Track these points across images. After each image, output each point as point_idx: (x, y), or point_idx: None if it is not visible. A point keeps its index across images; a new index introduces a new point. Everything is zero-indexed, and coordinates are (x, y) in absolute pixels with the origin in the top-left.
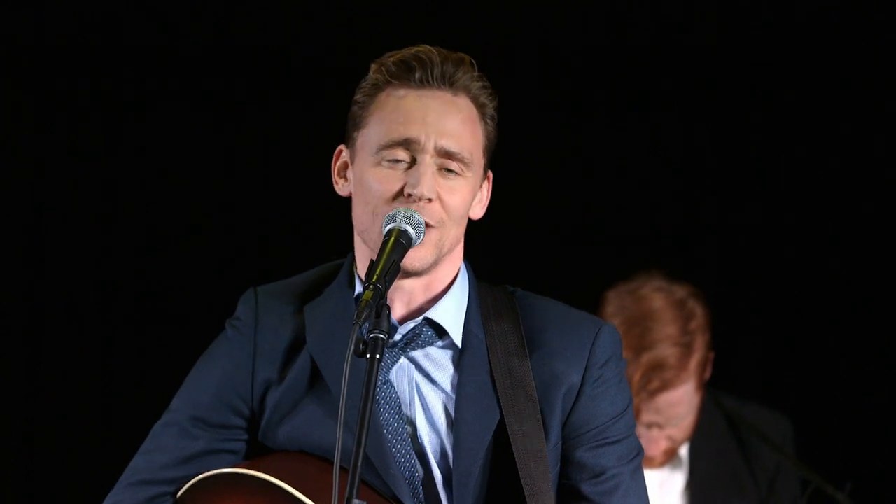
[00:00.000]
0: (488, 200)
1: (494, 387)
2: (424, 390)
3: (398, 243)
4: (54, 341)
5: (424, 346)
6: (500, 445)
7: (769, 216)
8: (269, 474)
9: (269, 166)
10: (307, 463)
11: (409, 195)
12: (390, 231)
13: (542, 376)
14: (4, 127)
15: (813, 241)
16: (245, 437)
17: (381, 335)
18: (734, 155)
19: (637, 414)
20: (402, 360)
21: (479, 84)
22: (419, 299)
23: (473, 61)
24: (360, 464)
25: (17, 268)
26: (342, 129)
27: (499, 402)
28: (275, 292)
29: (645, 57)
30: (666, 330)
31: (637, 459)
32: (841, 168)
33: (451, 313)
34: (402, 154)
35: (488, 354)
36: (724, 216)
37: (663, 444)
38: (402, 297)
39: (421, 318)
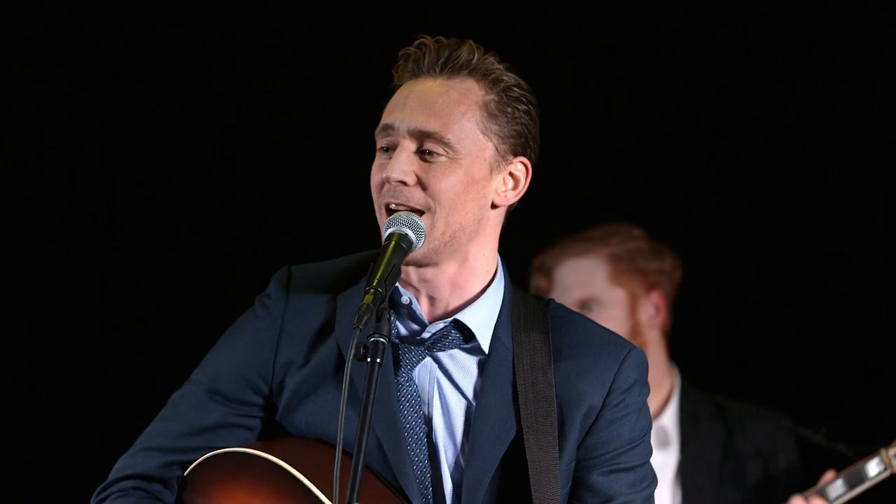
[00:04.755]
0: (524, 189)
1: (516, 399)
2: (445, 391)
3: (398, 247)
4: (54, 344)
5: (450, 348)
6: (514, 458)
7: (770, 216)
8: (282, 459)
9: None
10: (321, 452)
11: (385, 179)
12: (391, 235)
13: (565, 393)
14: (5, 128)
15: (813, 241)
16: (261, 414)
17: (382, 339)
18: (735, 154)
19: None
20: (427, 358)
21: (486, 62)
22: (446, 297)
23: (478, 45)
24: (360, 467)
25: (17, 269)
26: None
27: (518, 415)
28: (309, 275)
29: (643, 52)
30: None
31: (650, 489)
32: (842, 167)
33: (482, 318)
34: (385, 143)
35: (514, 364)
36: (725, 216)
37: None
38: (426, 293)
39: (451, 319)
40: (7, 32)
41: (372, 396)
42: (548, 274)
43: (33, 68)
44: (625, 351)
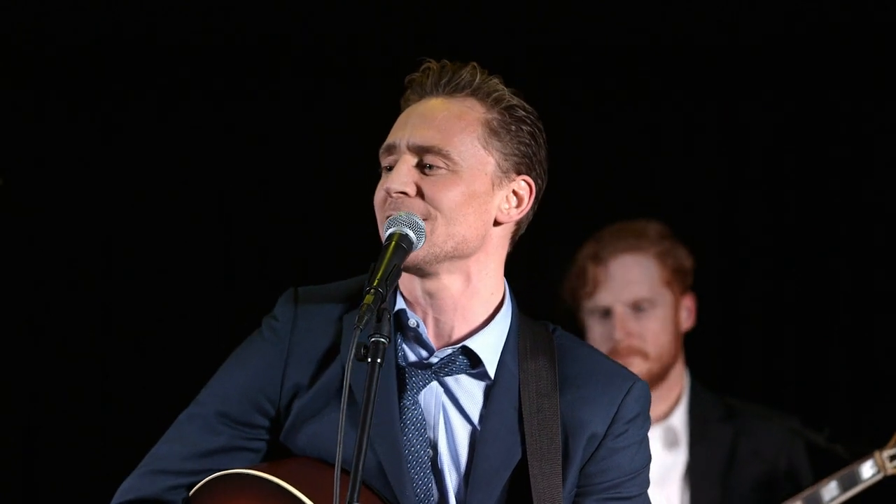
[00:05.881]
0: (528, 207)
1: (521, 425)
2: (451, 416)
3: (399, 247)
4: (55, 346)
5: (457, 373)
6: (518, 484)
7: (772, 214)
8: (285, 480)
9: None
10: (323, 471)
11: (387, 191)
12: (391, 235)
13: (569, 421)
14: (6, 128)
15: (816, 238)
16: (267, 437)
17: (382, 339)
18: (735, 152)
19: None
20: (434, 383)
21: (489, 83)
22: (450, 319)
23: (482, 68)
24: (360, 469)
25: (17, 270)
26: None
27: (523, 441)
28: (315, 296)
29: (643, 51)
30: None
31: None
32: (844, 164)
33: (490, 345)
34: (388, 162)
35: (519, 391)
36: (728, 214)
37: None
38: (432, 315)
39: (459, 346)
40: (6, 33)
41: (372, 396)
42: (604, 264)
43: (32, 70)
44: (630, 382)
